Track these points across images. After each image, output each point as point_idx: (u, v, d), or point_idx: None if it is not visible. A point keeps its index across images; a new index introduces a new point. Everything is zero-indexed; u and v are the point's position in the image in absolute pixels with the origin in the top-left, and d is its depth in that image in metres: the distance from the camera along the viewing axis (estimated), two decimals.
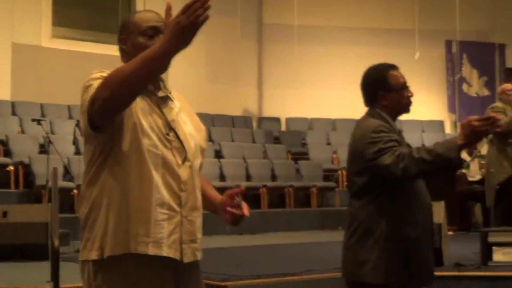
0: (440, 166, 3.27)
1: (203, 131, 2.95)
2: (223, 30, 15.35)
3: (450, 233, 10.22)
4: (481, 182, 10.83)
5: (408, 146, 3.68)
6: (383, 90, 3.65)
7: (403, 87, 3.69)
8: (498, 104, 8.63)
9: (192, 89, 13.40)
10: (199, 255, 2.78)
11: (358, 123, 3.71)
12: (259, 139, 14.84)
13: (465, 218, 11.35)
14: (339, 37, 16.02)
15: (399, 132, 3.71)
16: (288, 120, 15.97)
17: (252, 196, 12.97)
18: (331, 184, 13.49)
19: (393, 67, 3.73)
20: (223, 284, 5.75)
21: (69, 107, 13.09)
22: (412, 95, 3.70)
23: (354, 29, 16.18)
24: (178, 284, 2.72)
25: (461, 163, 3.29)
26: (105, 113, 2.53)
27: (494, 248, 6.64)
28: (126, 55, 2.78)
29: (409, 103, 3.72)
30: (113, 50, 2.90)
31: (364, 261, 3.50)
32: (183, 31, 2.34)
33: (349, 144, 3.71)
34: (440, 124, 16.24)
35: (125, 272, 2.64)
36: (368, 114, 3.69)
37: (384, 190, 3.50)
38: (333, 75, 15.09)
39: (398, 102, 3.68)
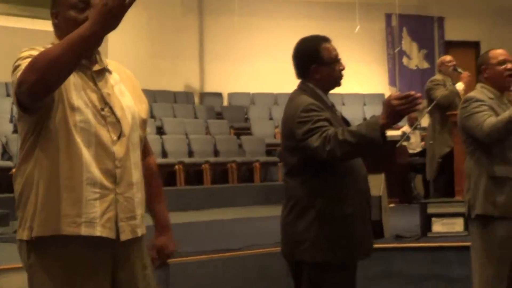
0: (364, 147, 3.27)
1: (145, 102, 2.90)
2: (163, 4, 15.19)
3: (392, 205, 10.33)
4: (422, 154, 10.94)
5: (343, 119, 3.68)
6: (315, 63, 3.61)
7: (335, 60, 3.65)
8: (438, 76, 8.72)
9: (133, 65, 12.87)
10: (140, 231, 2.74)
11: (290, 98, 3.67)
12: (201, 115, 14.75)
13: (406, 190, 11.47)
14: (280, 10, 15.99)
15: (332, 106, 3.70)
16: (230, 95, 15.91)
17: (194, 172, 12.94)
18: (274, 159, 13.45)
19: (325, 39, 3.68)
20: None
21: (6, 85, 12.73)
22: (343, 68, 3.67)
23: (295, 2, 16.16)
24: (116, 262, 2.68)
25: (385, 143, 3.24)
26: (33, 96, 2.46)
27: (433, 219, 6.73)
28: (58, 29, 2.73)
29: (340, 77, 3.69)
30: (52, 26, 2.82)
31: (302, 240, 3.50)
32: (111, 12, 2.27)
33: (282, 120, 3.70)
34: (381, 97, 16.31)
35: (57, 253, 2.60)
36: (300, 89, 3.67)
37: (317, 168, 3.48)
38: (274, 49, 14.88)
39: (330, 76, 3.64)
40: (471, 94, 4.43)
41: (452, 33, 17.08)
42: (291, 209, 3.56)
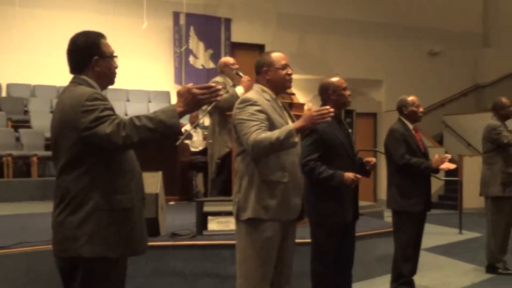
0: (162, 133, 3.25)
1: None
2: None
3: (172, 203, 10.36)
4: (204, 152, 11.04)
5: None
6: (97, 55, 3.57)
7: (113, 56, 3.65)
8: (219, 78, 8.74)
9: None
10: None
11: (67, 90, 3.54)
12: None
13: (187, 188, 11.53)
14: (65, 2, 15.53)
15: None
16: (9, 86, 15.11)
17: None
18: None
19: (103, 35, 3.67)
20: None
21: None
22: (117, 67, 3.68)
23: None
24: None
25: (181, 130, 3.31)
26: None
27: (209, 217, 6.81)
28: None
29: (115, 75, 3.69)
30: None
31: (79, 235, 3.38)
32: None
33: (57, 113, 3.53)
34: (166, 94, 16.36)
35: None
36: (75, 82, 3.56)
37: (97, 160, 3.40)
38: (58, 41, 14.06)
39: (109, 70, 3.63)
40: (249, 95, 4.43)
41: (239, 35, 17.43)
42: (67, 205, 3.42)
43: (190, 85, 3.29)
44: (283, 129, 4.18)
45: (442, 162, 6.47)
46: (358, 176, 5.18)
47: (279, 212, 4.33)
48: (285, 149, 4.25)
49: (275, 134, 4.15)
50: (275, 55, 4.56)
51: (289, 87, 4.65)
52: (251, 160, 4.32)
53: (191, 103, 3.24)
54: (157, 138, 3.31)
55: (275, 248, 4.36)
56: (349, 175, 5.15)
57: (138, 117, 3.28)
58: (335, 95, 5.41)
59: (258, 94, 4.46)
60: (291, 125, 4.20)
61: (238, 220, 4.39)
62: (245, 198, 4.33)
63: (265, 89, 4.51)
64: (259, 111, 4.30)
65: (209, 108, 8.30)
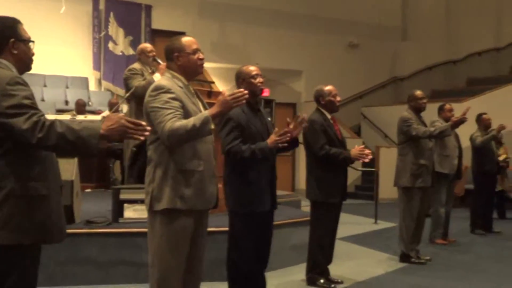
0: (77, 149, 3.23)
1: None
2: None
3: (88, 190, 10.24)
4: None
5: None
6: (14, 38, 3.51)
7: (29, 41, 3.60)
8: (136, 65, 8.59)
9: None
10: None
11: None
12: None
13: (104, 175, 11.41)
14: None
15: None
16: None
17: None
18: None
19: (20, 21, 3.61)
20: None
21: None
22: (34, 54, 3.63)
23: None
24: None
25: (97, 152, 3.26)
26: None
27: (125, 205, 6.75)
28: None
29: (32, 60, 3.64)
30: None
31: None
32: None
33: None
34: (84, 80, 16.10)
35: None
36: None
37: (14, 146, 3.30)
38: None
39: (26, 54, 3.58)
40: (162, 82, 4.29)
41: (159, 22, 17.25)
42: None
43: (122, 115, 3.26)
44: (199, 116, 4.09)
45: (361, 157, 6.52)
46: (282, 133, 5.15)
47: (196, 202, 4.23)
48: (202, 136, 4.18)
49: (191, 121, 4.06)
50: (186, 40, 4.44)
51: (201, 72, 4.55)
52: (165, 149, 4.20)
53: (115, 131, 3.20)
54: (71, 151, 3.31)
55: (189, 238, 4.27)
56: (272, 137, 5.14)
57: (61, 123, 3.22)
58: (245, 84, 5.36)
59: (170, 80, 4.34)
60: (206, 112, 4.12)
61: (151, 211, 4.25)
62: (160, 188, 4.20)
63: (177, 75, 4.39)
64: (173, 98, 4.17)
65: (127, 95, 8.19)
